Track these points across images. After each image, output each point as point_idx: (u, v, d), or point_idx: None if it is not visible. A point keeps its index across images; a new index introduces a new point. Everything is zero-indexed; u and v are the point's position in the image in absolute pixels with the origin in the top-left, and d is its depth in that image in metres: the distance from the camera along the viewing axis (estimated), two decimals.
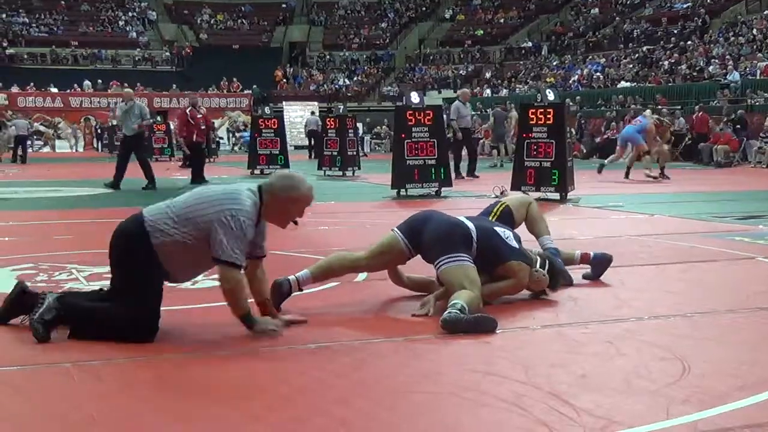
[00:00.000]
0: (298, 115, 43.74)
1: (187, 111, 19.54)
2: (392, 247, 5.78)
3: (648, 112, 21.02)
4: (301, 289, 5.78)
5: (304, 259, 7.94)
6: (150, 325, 4.86)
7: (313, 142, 37.21)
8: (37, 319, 4.78)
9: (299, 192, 5.04)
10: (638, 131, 19.31)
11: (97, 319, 4.89)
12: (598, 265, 6.75)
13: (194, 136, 19.24)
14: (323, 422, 3.54)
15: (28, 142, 40.27)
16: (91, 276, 6.90)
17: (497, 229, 5.92)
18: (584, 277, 6.71)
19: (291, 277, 5.75)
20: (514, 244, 5.88)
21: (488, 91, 49.92)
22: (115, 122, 34.38)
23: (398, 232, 5.79)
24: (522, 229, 6.57)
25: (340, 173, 21.76)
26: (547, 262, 6.00)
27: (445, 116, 18.33)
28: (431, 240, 5.60)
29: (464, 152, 21.04)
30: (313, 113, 40.69)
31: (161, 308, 4.99)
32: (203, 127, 19.40)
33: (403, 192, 15.10)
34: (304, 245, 8.88)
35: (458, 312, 4.95)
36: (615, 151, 20.90)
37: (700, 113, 28.83)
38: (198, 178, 18.57)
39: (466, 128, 20.80)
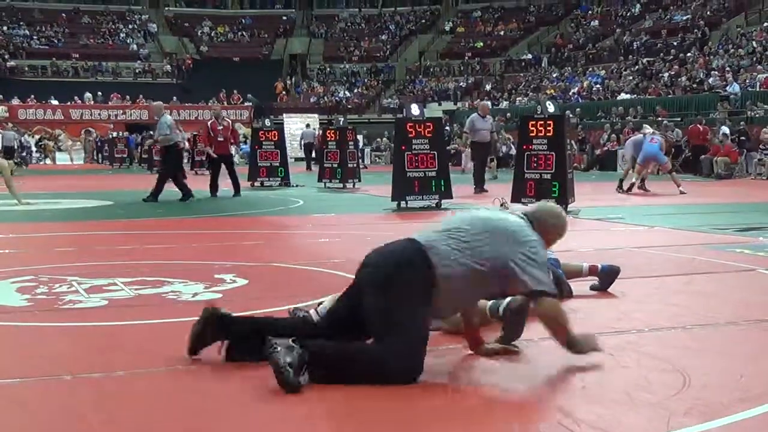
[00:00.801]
0: (299, 128, 43.82)
1: (209, 123, 19.69)
2: None
3: (648, 128, 21.01)
4: None
5: (306, 271, 7.95)
6: (419, 364, 4.30)
7: (311, 154, 37.31)
8: (283, 366, 4.05)
9: (563, 226, 4.93)
10: (659, 149, 19.43)
11: (357, 361, 4.30)
12: (606, 276, 6.74)
13: (212, 148, 19.42)
14: None
15: (26, 154, 40.42)
16: (91, 288, 6.89)
17: None
18: (592, 288, 6.70)
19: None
20: None
21: (488, 103, 49.90)
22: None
23: None
24: None
25: (341, 185, 21.76)
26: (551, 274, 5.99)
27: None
28: None
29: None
30: (308, 125, 40.77)
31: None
32: (221, 139, 19.33)
33: (403, 204, 15.09)
34: (305, 257, 8.88)
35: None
36: (619, 165, 20.94)
37: (697, 125, 28.86)
38: (213, 190, 18.94)
39: (481, 142, 20.00)
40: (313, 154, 37.19)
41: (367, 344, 4.40)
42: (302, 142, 39.71)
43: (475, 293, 4.63)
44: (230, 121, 20.40)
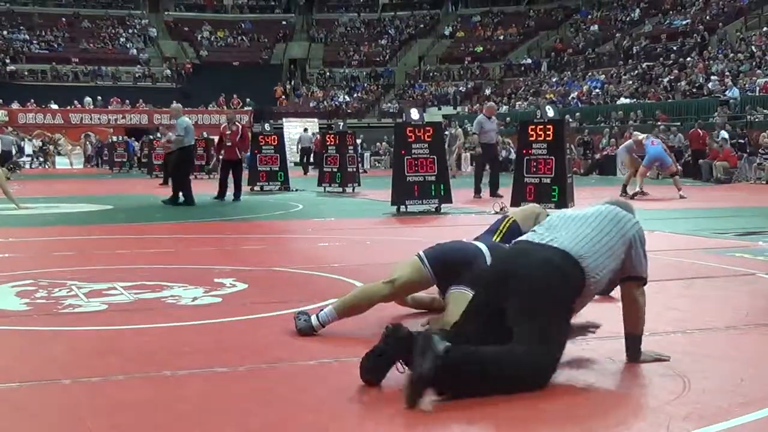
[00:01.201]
0: (298, 132, 43.90)
1: (221, 128, 19.88)
2: (420, 281, 5.60)
3: (639, 134, 21.04)
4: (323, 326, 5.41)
5: (306, 276, 7.94)
6: (552, 373, 4.26)
7: (308, 159, 37.38)
8: (417, 376, 3.88)
9: None
10: (663, 151, 19.51)
11: (501, 368, 4.11)
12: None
13: (221, 153, 19.60)
14: None
15: (25, 159, 40.44)
16: (90, 292, 6.88)
17: None
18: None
19: (314, 322, 5.34)
20: None
21: (493, 104, 49.97)
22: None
23: (427, 266, 5.48)
24: None
25: (340, 190, 21.76)
26: None
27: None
28: (457, 271, 5.45)
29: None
30: (306, 130, 40.83)
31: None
32: (229, 144, 19.40)
33: (403, 208, 15.09)
34: (304, 262, 8.88)
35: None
36: (618, 170, 20.94)
37: (697, 129, 28.89)
38: (220, 194, 19.21)
39: (489, 144, 19.74)
40: (311, 159, 37.29)
41: (508, 349, 4.19)
42: (299, 147, 39.80)
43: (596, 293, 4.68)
44: (240, 126, 20.36)
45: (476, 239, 6.18)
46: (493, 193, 18.63)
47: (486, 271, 4.79)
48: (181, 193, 17.58)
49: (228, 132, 19.40)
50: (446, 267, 5.50)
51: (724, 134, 27.87)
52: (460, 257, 5.54)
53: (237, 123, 20.51)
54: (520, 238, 4.79)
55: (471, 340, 4.22)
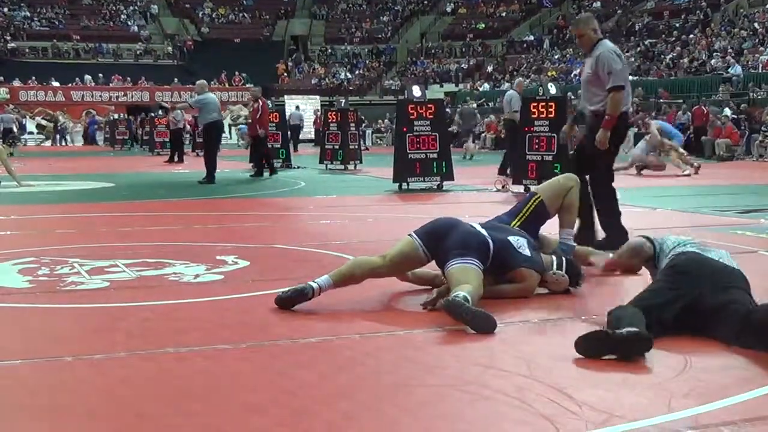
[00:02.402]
0: (302, 110, 43.85)
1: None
2: (411, 256, 5.70)
3: (654, 122, 21.27)
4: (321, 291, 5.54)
5: (308, 252, 7.95)
6: None
7: (297, 136, 37.43)
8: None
9: None
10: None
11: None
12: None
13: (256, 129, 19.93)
14: (326, 416, 3.54)
15: (25, 136, 40.40)
16: (92, 270, 6.89)
17: (511, 238, 5.84)
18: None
19: (314, 285, 5.49)
20: (527, 252, 5.83)
21: (486, 85, 49.95)
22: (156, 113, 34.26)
23: (417, 240, 5.67)
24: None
25: (342, 167, 21.75)
26: (564, 261, 6.00)
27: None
28: (449, 248, 5.53)
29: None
30: (297, 108, 40.77)
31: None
32: (249, 122, 19.57)
33: (404, 186, 15.09)
34: (306, 239, 8.88)
35: (462, 300, 4.94)
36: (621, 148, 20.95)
37: (701, 106, 28.82)
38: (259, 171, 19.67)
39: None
40: (299, 137, 37.46)
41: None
42: (289, 124, 39.87)
43: None
44: (261, 103, 20.29)
45: (492, 220, 6.23)
46: (502, 171, 18.33)
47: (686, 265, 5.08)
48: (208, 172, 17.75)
49: (249, 110, 19.59)
50: (436, 241, 5.64)
51: (728, 112, 27.79)
52: (450, 232, 5.67)
53: (259, 99, 20.47)
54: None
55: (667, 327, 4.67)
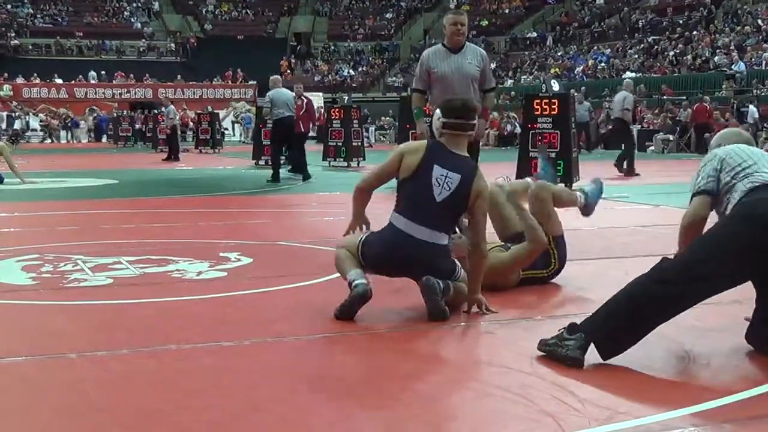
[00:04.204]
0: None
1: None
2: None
3: None
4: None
5: (311, 250, 7.95)
6: None
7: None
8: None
9: None
10: None
11: None
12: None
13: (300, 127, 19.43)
14: (329, 412, 3.55)
15: (30, 134, 40.55)
16: (96, 267, 6.91)
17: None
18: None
19: (367, 284, 5.12)
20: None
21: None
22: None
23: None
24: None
25: (345, 164, 21.74)
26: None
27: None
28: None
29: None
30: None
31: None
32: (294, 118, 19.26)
33: None
34: (309, 236, 8.88)
35: (435, 284, 5.01)
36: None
37: (703, 103, 28.79)
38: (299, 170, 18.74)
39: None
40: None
41: None
42: None
43: None
44: (304, 101, 19.96)
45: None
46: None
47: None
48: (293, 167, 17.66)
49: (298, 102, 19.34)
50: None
51: (754, 111, 27.65)
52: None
53: (303, 97, 20.34)
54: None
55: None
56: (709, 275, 4.16)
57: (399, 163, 5.29)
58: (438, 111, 5.33)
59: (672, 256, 4.42)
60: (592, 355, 4.32)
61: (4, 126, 34.62)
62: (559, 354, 4.14)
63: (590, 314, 4.27)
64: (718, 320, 5.14)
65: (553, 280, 6.25)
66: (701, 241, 4.34)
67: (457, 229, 5.77)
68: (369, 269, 5.23)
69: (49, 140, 46.57)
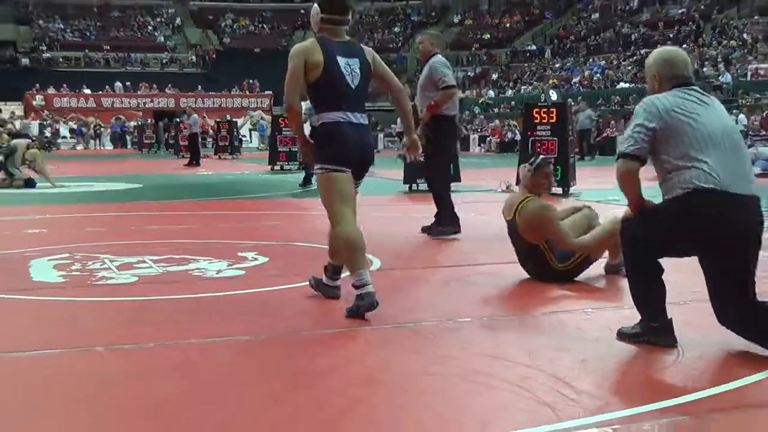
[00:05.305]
0: None
1: None
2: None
3: None
4: None
5: (323, 249, 7.94)
6: None
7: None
8: None
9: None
10: None
11: None
12: None
13: None
14: (341, 404, 3.55)
15: (60, 141, 40.61)
16: (122, 265, 6.92)
17: None
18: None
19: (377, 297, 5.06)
20: None
21: (491, 92, 49.93)
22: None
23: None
24: None
25: None
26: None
27: None
28: None
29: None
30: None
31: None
32: None
33: (414, 187, 15.08)
34: (322, 236, 8.84)
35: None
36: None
37: None
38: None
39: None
40: None
41: None
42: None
43: None
44: None
45: None
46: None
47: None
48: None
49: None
50: None
51: (743, 118, 27.50)
52: None
53: None
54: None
55: None
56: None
57: (305, 64, 5.16)
58: (316, 6, 5.37)
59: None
60: (588, 350, 4.32)
61: (35, 133, 34.65)
62: (649, 342, 4.35)
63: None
64: (707, 316, 5.12)
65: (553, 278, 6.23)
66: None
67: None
68: (347, 165, 5.24)
69: (80, 146, 46.68)
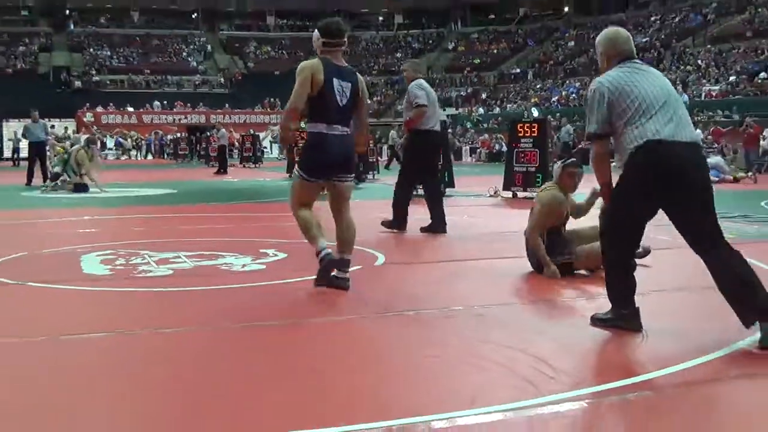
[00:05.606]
0: None
1: None
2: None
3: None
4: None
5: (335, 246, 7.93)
6: None
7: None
8: None
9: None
10: None
11: None
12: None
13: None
14: (349, 379, 3.55)
15: (105, 152, 40.54)
16: (159, 260, 6.91)
17: None
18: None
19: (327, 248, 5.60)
20: None
21: (481, 109, 49.92)
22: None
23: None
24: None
25: (362, 177, 21.68)
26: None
27: None
28: None
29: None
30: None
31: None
32: None
33: (414, 192, 15.03)
34: (334, 235, 8.86)
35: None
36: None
37: None
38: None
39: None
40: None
41: None
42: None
43: None
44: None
45: None
46: None
47: None
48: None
49: None
50: None
51: (699, 133, 27.40)
52: None
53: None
54: None
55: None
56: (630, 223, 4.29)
57: (312, 79, 5.41)
58: (317, 32, 5.63)
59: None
60: (566, 334, 4.31)
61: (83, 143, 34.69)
62: (618, 326, 4.32)
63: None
64: (668, 304, 5.13)
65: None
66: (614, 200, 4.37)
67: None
68: (318, 177, 5.53)
69: (124, 157, 46.71)
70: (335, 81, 5.42)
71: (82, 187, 16.36)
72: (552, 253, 6.04)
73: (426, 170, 9.32)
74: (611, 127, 4.27)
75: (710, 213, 4.14)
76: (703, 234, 4.13)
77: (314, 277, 5.66)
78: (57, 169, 17.16)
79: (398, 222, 9.14)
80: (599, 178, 4.43)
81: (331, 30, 5.54)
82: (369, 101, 5.72)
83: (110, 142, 47.69)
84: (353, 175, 5.77)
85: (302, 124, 6.56)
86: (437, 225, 9.02)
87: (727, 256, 4.08)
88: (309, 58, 5.89)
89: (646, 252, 6.38)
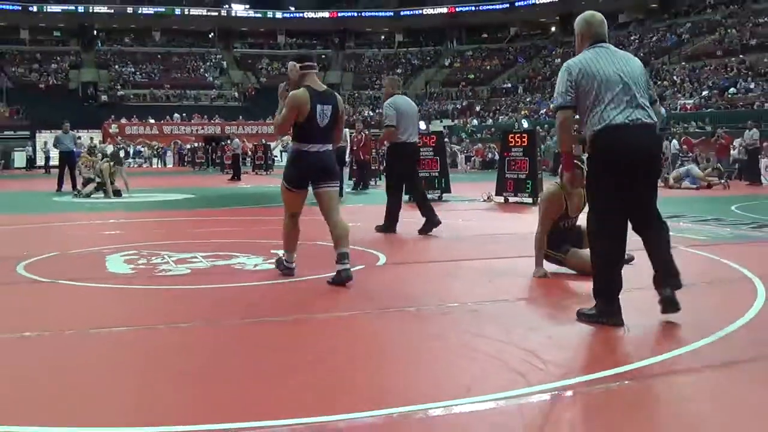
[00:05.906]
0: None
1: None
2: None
3: None
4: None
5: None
6: None
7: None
8: None
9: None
10: None
11: None
12: None
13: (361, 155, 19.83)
14: (351, 373, 3.54)
15: (129, 160, 40.57)
16: (178, 260, 6.91)
17: None
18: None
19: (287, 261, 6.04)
20: None
21: (475, 121, 49.93)
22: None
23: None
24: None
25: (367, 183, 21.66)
26: None
27: None
28: None
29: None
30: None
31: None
32: (354, 148, 19.43)
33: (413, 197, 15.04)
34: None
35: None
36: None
37: None
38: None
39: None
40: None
41: None
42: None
43: None
44: (363, 135, 20.35)
45: None
46: None
47: None
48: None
49: (355, 139, 19.71)
50: None
51: (675, 144, 27.24)
52: None
53: (362, 132, 20.58)
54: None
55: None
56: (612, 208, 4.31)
57: (300, 110, 5.70)
58: (293, 63, 6.01)
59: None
60: (555, 328, 4.30)
61: (108, 153, 34.66)
62: (602, 321, 4.29)
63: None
64: (646, 302, 5.10)
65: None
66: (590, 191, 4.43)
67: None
68: (297, 186, 5.96)
69: (146, 164, 46.72)
70: (318, 107, 5.72)
71: (116, 193, 16.44)
72: (553, 248, 6.07)
73: (405, 177, 9.38)
74: (577, 102, 4.31)
75: (656, 191, 4.39)
76: (650, 211, 4.34)
77: (319, 276, 5.64)
78: (89, 175, 17.26)
79: (388, 225, 9.20)
80: (561, 145, 4.48)
81: (305, 59, 5.97)
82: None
83: (132, 151, 47.71)
84: (336, 183, 6.06)
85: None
86: (431, 220, 9.01)
87: (665, 231, 4.41)
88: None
89: (630, 259, 6.35)
